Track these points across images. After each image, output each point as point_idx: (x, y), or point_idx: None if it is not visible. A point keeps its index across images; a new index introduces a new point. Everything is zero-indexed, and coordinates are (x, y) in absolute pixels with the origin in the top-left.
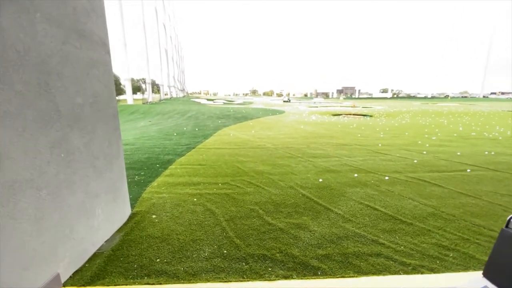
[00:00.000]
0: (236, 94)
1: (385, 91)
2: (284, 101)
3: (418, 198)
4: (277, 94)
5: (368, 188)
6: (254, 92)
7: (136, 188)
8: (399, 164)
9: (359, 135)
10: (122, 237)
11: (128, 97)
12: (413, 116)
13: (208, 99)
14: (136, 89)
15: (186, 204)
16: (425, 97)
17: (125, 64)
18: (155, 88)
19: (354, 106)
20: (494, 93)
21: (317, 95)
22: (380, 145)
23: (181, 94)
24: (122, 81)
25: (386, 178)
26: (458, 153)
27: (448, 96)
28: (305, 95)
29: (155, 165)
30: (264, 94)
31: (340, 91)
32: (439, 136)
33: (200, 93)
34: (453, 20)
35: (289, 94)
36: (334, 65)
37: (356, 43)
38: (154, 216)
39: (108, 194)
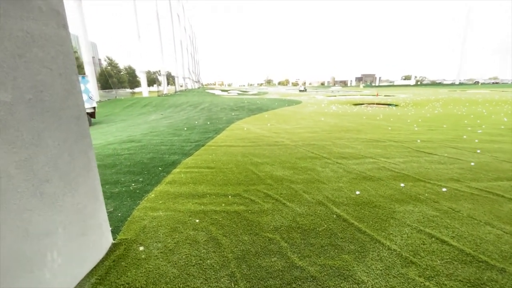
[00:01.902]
0: (251, 85)
1: (407, 78)
2: (300, 91)
3: (497, 223)
4: (292, 83)
5: (424, 206)
6: (269, 82)
7: (129, 201)
8: (453, 168)
9: (389, 128)
10: (92, 286)
11: (144, 90)
12: (444, 105)
13: (222, 90)
14: (152, 81)
15: (185, 229)
16: (453, 84)
17: (140, 56)
18: (171, 80)
19: (377, 95)
20: None
21: (335, 83)
22: (418, 141)
23: (196, 86)
24: (138, 73)
25: (444, 190)
26: None
27: (478, 82)
28: (322, 84)
29: (157, 168)
30: (279, 83)
31: (359, 79)
32: (484, 129)
33: (215, 84)
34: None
35: (305, 83)
36: (353, 52)
37: (375, 28)
38: (141, 249)
39: (71, 227)
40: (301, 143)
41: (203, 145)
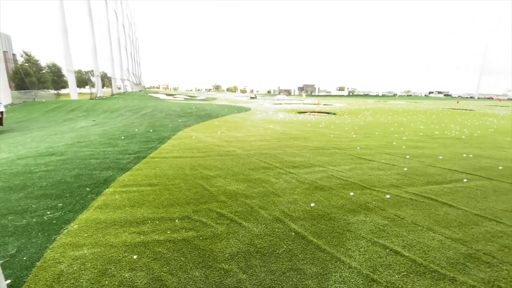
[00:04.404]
0: (199, 90)
1: (341, 89)
2: (251, 98)
3: (438, 228)
4: (241, 90)
5: (374, 215)
6: (217, 88)
7: (41, 238)
8: (391, 174)
9: (332, 136)
10: None
11: (72, 91)
12: (373, 114)
13: (167, 94)
14: (83, 82)
15: (118, 270)
16: (377, 95)
17: (67, 53)
18: (107, 81)
19: (319, 103)
20: (432, 92)
21: (280, 92)
22: (358, 148)
23: (137, 89)
24: (65, 73)
25: (387, 196)
26: (440, 157)
27: (396, 94)
28: (269, 92)
29: (83, 189)
30: (228, 90)
31: (301, 89)
32: (408, 135)
33: (158, 88)
34: (398, 24)
35: (252, 90)
36: (296, 63)
37: (315, 42)
38: None
39: None
40: (253, 152)
41: (144, 157)
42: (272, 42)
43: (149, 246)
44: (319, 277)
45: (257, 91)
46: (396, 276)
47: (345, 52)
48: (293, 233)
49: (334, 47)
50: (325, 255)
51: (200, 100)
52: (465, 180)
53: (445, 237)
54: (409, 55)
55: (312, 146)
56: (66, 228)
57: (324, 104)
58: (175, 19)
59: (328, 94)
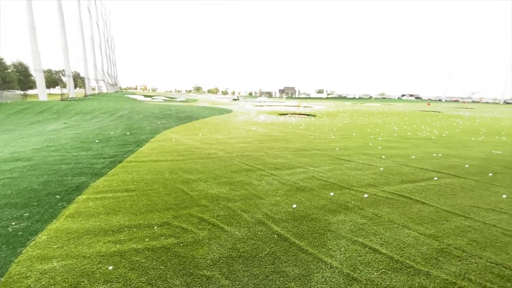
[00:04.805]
0: (179, 91)
1: (320, 91)
2: (234, 99)
3: (412, 224)
4: (222, 92)
5: (353, 214)
6: (198, 89)
7: (5, 251)
8: (368, 173)
9: (312, 137)
10: None
11: (40, 92)
12: (350, 115)
13: (145, 96)
14: (53, 82)
15: (92, 283)
16: (354, 98)
17: (35, 52)
18: (80, 81)
19: (299, 105)
20: (404, 95)
21: (261, 94)
22: (337, 149)
23: (112, 89)
24: (33, 72)
25: (365, 196)
26: (413, 157)
27: (371, 97)
28: (250, 94)
29: (53, 197)
30: (209, 91)
31: (282, 91)
32: (383, 136)
33: (136, 89)
34: (373, 29)
35: (234, 92)
36: (277, 66)
37: (295, 46)
38: None
39: None
40: (235, 155)
41: (120, 162)
42: (253, 44)
43: (126, 255)
44: (301, 278)
45: (239, 93)
46: (375, 273)
47: (324, 56)
48: (275, 236)
49: (314, 50)
50: (307, 256)
51: (180, 101)
52: (435, 178)
53: (419, 233)
54: (384, 59)
55: (294, 148)
56: (34, 240)
57: (304, 106)
58: (153, 18)
59: (308, 96)
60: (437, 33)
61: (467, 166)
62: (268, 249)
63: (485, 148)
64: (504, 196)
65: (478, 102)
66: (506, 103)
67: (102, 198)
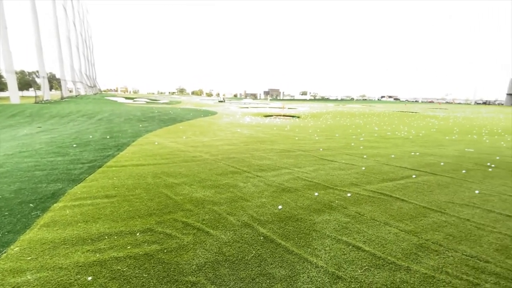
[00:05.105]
0: (162, 93)
1: (304, 93)
2: (219, 101)
3: (393, 221)
4: (206, 93)
5: (337, 213)
6: (181, 91)
7: None
8: (351, 173)
9: (296, 138)
10: None
11: (12, 95)
12: (333, 117)
13: (126, 98)
14: (27, 84)
15: None
16: (336, 99)
17: (6, 52)
18: (55, 83)
19: (284, 107)
20: (384, 97)
21: (246, 96)
22: (321, 149)
23: (91, 92)
24: (3, 73)
25: (348, 195)
26: (392, 156)
27: (353, 98)
28: (235, 96)
29: (26, 205)
30: (193, 93)
31: (266, 93)
32: (365, 136)
33: (116, 91)
34: (355, 32)
35: (219, 94)
36: (261, 68)
37: (280, 48)
38: None
39: None
40: (221, 157)
41: (100, 167)
42: (238, 46)
43: (106, 264)
44: (288, 279)
45: (224, 95)
46: (359, 271)
47: (308, 58)
48: (261, 238)
49: (298, 53)
50: (293, 257)
51: (163, 103)
52: (414, 176)
53: (399, 230)
54: (365, 61)
55: (279, 149)
56: (5, 252)
57: (289, 108)
58: (135, 19)
59: (292, 98)
60: (414, 37)
61: (442, 164)
62: (254, 252)
63: (459, 147)
64: (476, 191)
65: (452, 103)
66: (476, 103)
67: (80, 205)
